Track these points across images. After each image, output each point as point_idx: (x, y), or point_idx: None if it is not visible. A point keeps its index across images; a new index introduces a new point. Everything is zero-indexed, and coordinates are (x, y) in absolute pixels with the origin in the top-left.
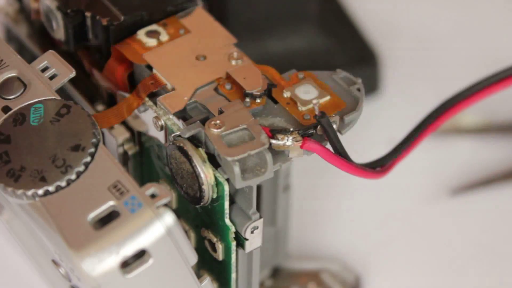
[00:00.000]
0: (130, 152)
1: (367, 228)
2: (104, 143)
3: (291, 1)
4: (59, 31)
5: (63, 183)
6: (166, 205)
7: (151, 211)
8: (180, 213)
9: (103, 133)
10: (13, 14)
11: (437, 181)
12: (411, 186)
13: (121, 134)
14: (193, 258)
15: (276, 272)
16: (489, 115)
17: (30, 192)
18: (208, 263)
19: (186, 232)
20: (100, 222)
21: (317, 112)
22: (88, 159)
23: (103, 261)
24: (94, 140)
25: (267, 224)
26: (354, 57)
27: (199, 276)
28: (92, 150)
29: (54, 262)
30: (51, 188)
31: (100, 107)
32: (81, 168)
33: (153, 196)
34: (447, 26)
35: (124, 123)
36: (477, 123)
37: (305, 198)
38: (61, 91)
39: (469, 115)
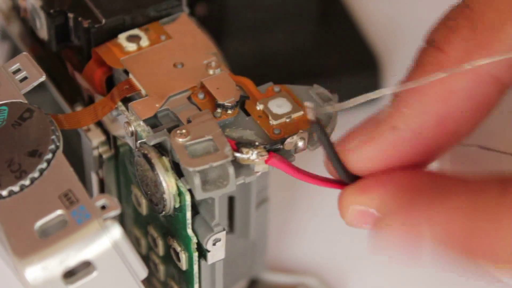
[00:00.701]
0: (104, 156)
1: (345, 243)
2: (80, 145)
3: (292, 1)
4: (42, 31)
5: (16, 188)
6: (116, 217)
7: (97, 223)
8: (150, 220)
9: (79, 135)
10: (6, 11)
11: None
12: None
13: (97, 137)
14: (143, 273)
15: (253, 284)
16: None
17: None
18: (174, 272)
19: (154, 239)
20: (47, 231)
21: (311, 117)
22: (44, 165)
23: (46, 270)
24: (52, 146)
25: (240, 236)
26: (355, 61)
27: (167, 283)
28: (49, 156)
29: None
30: (4, 193)
31: (79, 109)
32: (36, 174)
33: (103, 207)
34: None
35: (101, 126)
36: None
37: (284, 210)
38: (43, 90)
39: None
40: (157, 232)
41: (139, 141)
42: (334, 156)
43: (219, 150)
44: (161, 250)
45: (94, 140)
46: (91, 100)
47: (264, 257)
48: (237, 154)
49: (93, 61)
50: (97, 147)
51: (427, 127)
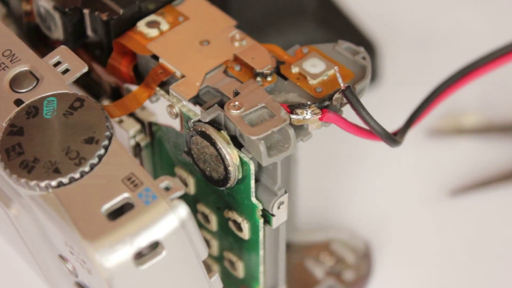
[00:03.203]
0: (142, 144)
1: (375, 196)
2: None
3: None
4: (57, 31)
5: (77, 175)
6: (180, 198)
7: (165, 203)
8: (199, 198)
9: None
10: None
11: (436, 181)
12: (410, 186)
13: (132, 126)
14: (204, 252)
15: (287, 247)
16: (490, 116)
17: (43, 184)
18: (231, 244)
19: (206, 216)
20: (114, 214)
21: (341, 85)
22: (102, 151)
23: (117, 252)
24: (107, 133)
25: None
26: None
27: (222, 256)
28: (106, 142)
29: (61, 257)
30: (64, 180)
31: (105, 102)
32: (95, 160)
33: (167, 189)
34: (445, 17)
35: (133, 115)
36: (478, 123)
37: (309, 171)
38: None
39: (470, 115)
40: (209, 208)
41: (192, 120)
42: (369, 117)
43: (275, 115)
44: (214, 225)
45: (130, 129)
46: (114, 92)
47: (295, 219)
48: (293, 116)
49: (116, 53)
50: (134, 136)
51: None
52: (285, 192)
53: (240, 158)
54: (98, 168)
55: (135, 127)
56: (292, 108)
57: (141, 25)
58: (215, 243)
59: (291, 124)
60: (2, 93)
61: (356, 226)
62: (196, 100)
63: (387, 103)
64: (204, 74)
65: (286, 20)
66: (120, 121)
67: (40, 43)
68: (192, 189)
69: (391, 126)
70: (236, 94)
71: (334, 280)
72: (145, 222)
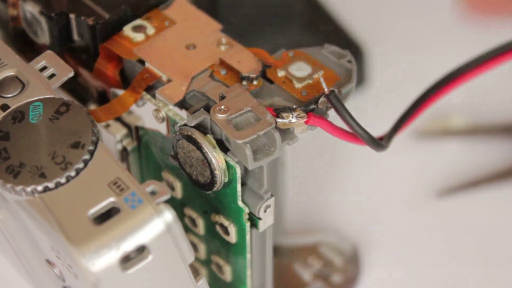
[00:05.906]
0: (129, 148)
1: (364, 198)
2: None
3: (277, 3)
4: (43, 36)
5: (63, 180)
6: (166, 202)
7: (151, 207)
8: (186, 201)
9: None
10: None
11: (424, 183)
12: (397, 188)
13: (119, 130)
14: (191, 257)
15: (275, 251)
16: (477, 117)
17: (29, 188)
18: (219, 248)
19: (194, 220)
20: (100, 218)
21: (325, 89)
22: (88, 156)
23: (103, 257)
24: (93, 137)
25: None
26: None
27: (210, 260)
28: (92, 147)
29: (48, 262)
30: (50, 185)
31: (92, 106)
32: (81, 165)
33: (153, 193)
34: (432, 20)
35: (120, 120)
36: (465, 125)
37: (297, 174)
38: None
39: (457, 117)
40: (196, 212)
41: (178, 124)
42: (354, 122)
43: (261, 119)
44: (201, 229)
45: (117, 134)
46: (101, 97)
47: (283, 222)
48: (279, 120)
49: (102, 57)
50: (121, 141)
51: None
52: (272, 195)
53: (226, 161)
54: (84, 173)
55: (122, 131)
56: (277, 111)
57: (127, 29)
58: (202, 247)
59: (277, 127)
60: None
61: (344, 229)
62: (182, 104)
63: (375, 106)
64: (190, 78)
65: (274, 24)
66: (107, 126)
67: (27, 48)
68: (179, 193)
69: (379, 130)
70: (222, 98)
71: (322, 283)
72: (131, 226)
